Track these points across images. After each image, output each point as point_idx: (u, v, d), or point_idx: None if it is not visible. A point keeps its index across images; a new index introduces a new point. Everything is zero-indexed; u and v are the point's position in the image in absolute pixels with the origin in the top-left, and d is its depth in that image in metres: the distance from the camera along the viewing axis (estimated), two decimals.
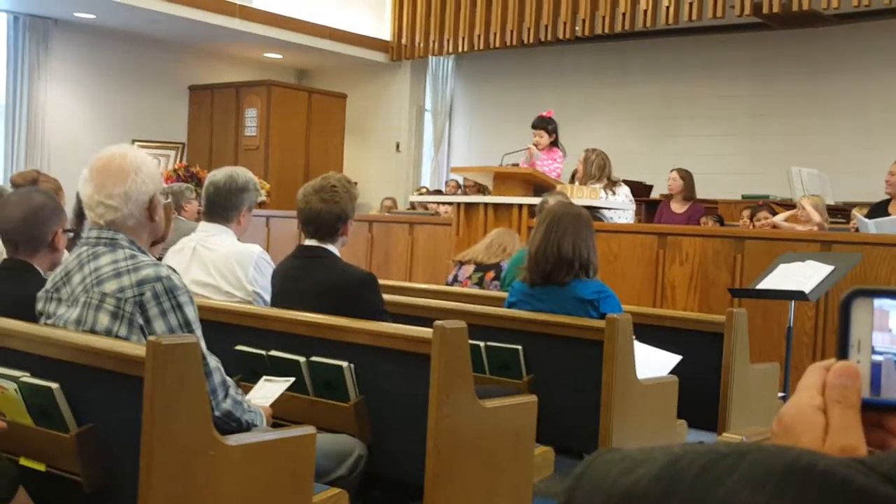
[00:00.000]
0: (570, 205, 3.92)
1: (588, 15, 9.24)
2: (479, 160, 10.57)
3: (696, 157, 9.88)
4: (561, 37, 9.55)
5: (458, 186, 8.07)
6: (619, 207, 6.43)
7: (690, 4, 8.50)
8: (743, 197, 9.10)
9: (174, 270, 2.34)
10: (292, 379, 2.77)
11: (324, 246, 3.20)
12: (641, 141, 10.65)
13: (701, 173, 7.90)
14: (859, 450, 0.63)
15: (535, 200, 5.49)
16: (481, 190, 7.93)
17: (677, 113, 10.64)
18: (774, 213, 7.00)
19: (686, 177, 7.47)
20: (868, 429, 0.65)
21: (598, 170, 6.54)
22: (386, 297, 3.29)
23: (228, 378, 2.39)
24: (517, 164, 7.34)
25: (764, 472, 0.43)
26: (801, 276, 4.12)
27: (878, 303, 0.68)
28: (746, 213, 7.37)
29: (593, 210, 6.13)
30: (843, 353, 0.68)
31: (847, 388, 0.65)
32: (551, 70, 11.42)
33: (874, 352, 0.68)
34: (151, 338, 2.04)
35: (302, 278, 3.18)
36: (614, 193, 6.48)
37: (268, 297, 3.36)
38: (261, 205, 8.68)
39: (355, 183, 3.54)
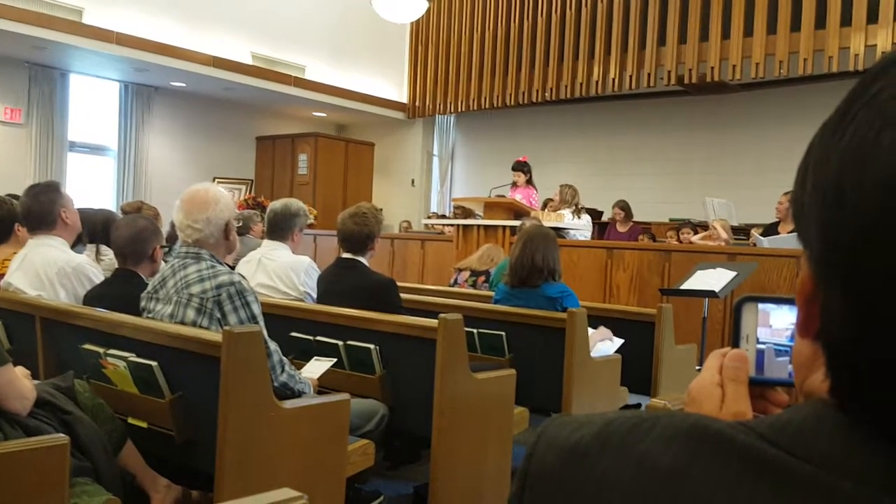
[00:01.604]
0: (540, 226, 3.93)
1: (555, 84, 9.24)
2: (474, 192, 10.58)
3: (636, 189, 9.88)
4: (535, 100, 9.54)
5: (464, 211, 8.10)
6: (581, 228, 6.43)
7: (630, 77, 8.48)
8: (670, 220, 9.07)
9: (243, 277, 2.33)
10: (335, 359, 2.77)
11: (356, 258, 3.19)
12: (596, 178, 10.62)
13: (639, 201, 7.90)
14: (747, 415, 0.63)
15: (516, 223, 5.49)
16: (468, 214, 7.95)
17: (622, 157, 10.62)
18: (696, 230, 6.98)
19: (625, 207, 7.53)
20: (754, 400, 0.66)
21: (570, 197, 6.54)
22: (403, 296, 3.28)
23: (284, 357, 2.39)
24: (502, 195, 7.35)
25: (672, 432, 0.44)
26: (713, 279, 4.12)
27: (762, 306, 0.69)
28: (672, 232, 7.36)
29: (559, 230, 6.14)
30: (735, 343, 0.69)
31: (738, 369, 0.66)
32: (529, 125, 11.39)
33: (759, 342, 0.69)
34: (226, 328, 2.04)
35: (340, 282, 3.17)
36: (580, 217, 6.48)
37: (315, 297, 3.35)
38: (310, 226, 8.68)
39: (380, 210, 3.54)
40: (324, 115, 11.30)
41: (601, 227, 8.37)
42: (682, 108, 10.08)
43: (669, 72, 8.21)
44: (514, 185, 6.90)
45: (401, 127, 11.39)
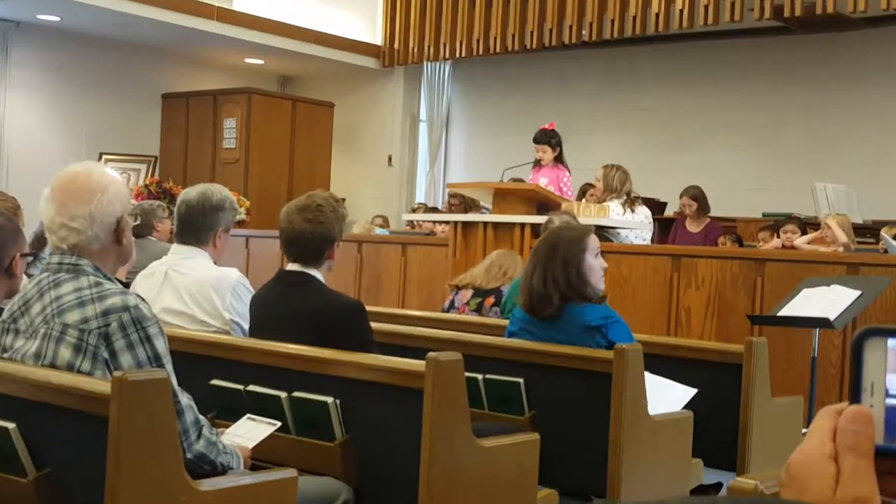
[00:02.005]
0: (576, 226, 3.93)
1: (596, 18, 9.28)
2: (477, 175, 10.60)
3: (711, 171, 9.92)
4: (566, 42, 9.59)
5: (462, 201, 8.14)
6: (635, 226, 6.46)
7: (706, 7, 8.52)
8: (763, 215, 9.13)
9: (142, 299, 2.33)
10: (279, 423, 2.76)
11: (307, 271, 3.20)
12: (651, 154, 10.68)
13: (717, 189, 7.95)
14: (873, 500, 0.63)
15: (540, 220, 5.50)
16: (469, 207, 7.96)
17: (690, 124, 10.68)
18: (803, 229, 7.03)
19: (699, 197, 7.57)
20: (882, 477, 0.65)
21: (619, 183, 6.57)
22: (375, 325, 3.29)
23: (202, 416, 2.38)
24: (520, 180, 7.36)
25: None
26: (825, 301, 4.13)
27: (893, 343, 0.68)
28: (766, 233, 7.40)
29: (603, 230, 6.15)
30: (855, 397, 0.68)
31: (859, 433, 0.65)
32: (555, 78, 11.46)
33: (888, 395, 0.67)
34: (117, 373, 2.03)
35: (283, 306, 3.18)
36: (633, 211, 6.51)
37: (246, 327, 3.35)
38: (239, 224, 8.72)
39: (343, 200, 3.55)
40: (261, 62, 11.34)
41: (664, 226, 8.41)
42: (779, 51, 10.15)
43: None
44: (538, 164, 6.94)
45: (373, 80, 11.44)
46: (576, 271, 3.47)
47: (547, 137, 6.87)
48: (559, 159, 6.89)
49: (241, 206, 8.85)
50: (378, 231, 8.96)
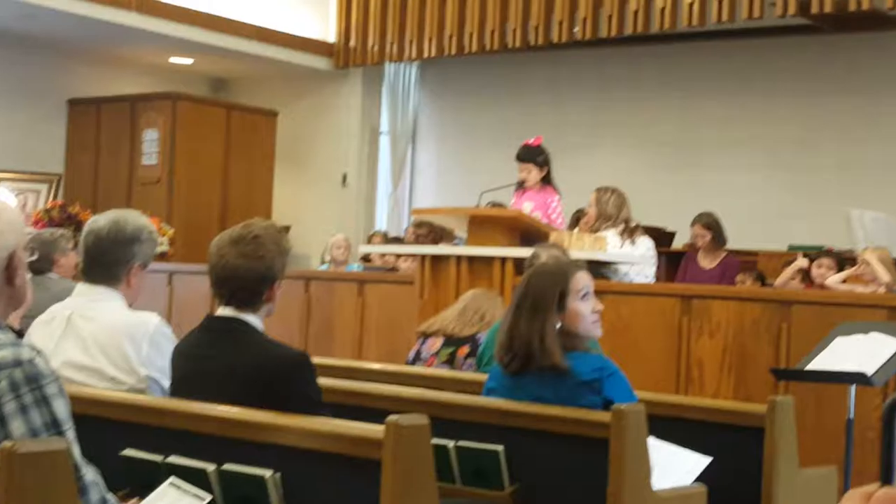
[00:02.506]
0: (566, 261, 3.94)
1: (590, 14, 9.34)
2: (450, 198, 10.66)
3: (727, 195, 10.01)
4: (555, 40, 9.66)
5: (431, 230, 8.13)
6: (636, 261, 6.49)
7: (720, 2, 8.60)
8: (789, 248, 9.20)
9: (40, 352, 2.30)
10: (209, 496, 2.73)
11: (241, 316, 3.19)
12: (658, 174, 10.77)
13: (735, 217, 8.00)
14: None
15: (525, 253, 5.50)
16: (440, 237, 7.96)
17: (703, 138, 10.78)
18: (839, 265, 7.05)
19: (712, 225, 7.63)
20: None
21: (615, 209, 6.60)
22: (325, 382, 3.27)
23: (110, 496, 2.35)
24: (500, 204, 7.37)
25: None
26: (863, 352, 4.15)
27: None
28: (793, 269, 7.40)
29: (599, 266, 6.16)
30: (886, 477, 0.68)
31: None
32: (544, 84, 11.55)
33: None
34: (6, 443, 2.00)
35: (212, 359, 3.16)
36: (633, 243, 6.54)
37: (167, 384, 3.33)
38: (161, 257, 8.66)
39: (288, 228, 3.55)
40: (189, 61, 11.34)
41: (671, 260, 8.47)
42: (807, 54, 10.28)
43: None
44: (522, 186, 6.96)
45: (325, 84, 11.49)
46: (542, 325, 3.46)
47: (532, 155, 6.90)
48: (547, 181, 6.92)
49: (162, 236, 8.79)
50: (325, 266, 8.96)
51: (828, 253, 7.42)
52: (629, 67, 11.19)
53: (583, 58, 11.16)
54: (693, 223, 7.79)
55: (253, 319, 3.20)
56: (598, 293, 3.74)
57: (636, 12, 9.06)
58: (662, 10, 8.91)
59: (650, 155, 10.98)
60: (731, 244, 7.93)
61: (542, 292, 3.50)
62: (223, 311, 3.22)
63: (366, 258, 9.23)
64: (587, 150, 10.80)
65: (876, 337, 4.21)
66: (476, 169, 11.12)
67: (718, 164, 10.66)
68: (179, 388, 3.23)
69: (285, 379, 3.06)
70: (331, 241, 9.27)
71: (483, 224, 6.41)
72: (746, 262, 8.33)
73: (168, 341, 3.40)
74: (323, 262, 9.47)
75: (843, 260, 7.39)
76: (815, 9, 8.33)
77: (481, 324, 4.90)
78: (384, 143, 12.17)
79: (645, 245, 6.65)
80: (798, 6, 8.39)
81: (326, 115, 11.59)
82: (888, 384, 4.58)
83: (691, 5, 8.72)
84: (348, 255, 9.25)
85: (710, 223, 7.66)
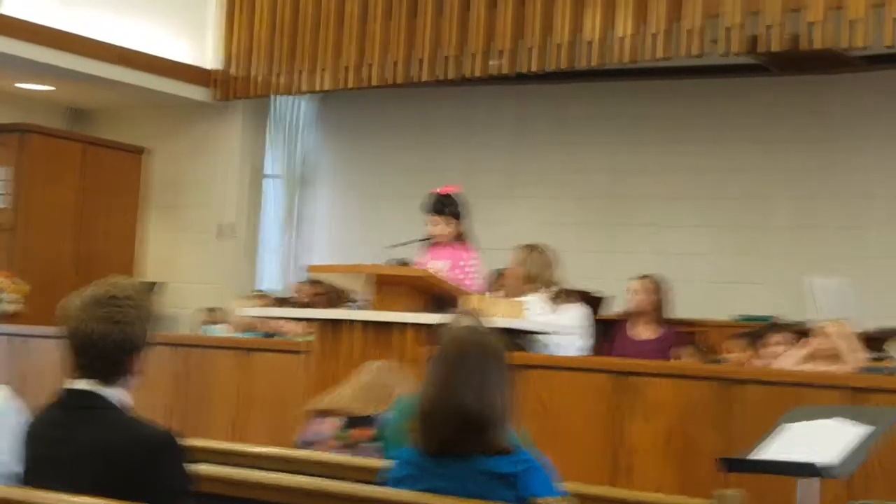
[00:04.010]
0: (481, 331, 3.93)
1: (509, 46, 9.41)
2: (349, 254, 10.60)
3: (666, 256, 10.10)
4: (469, 74, 9.73)
5: (327, 290, 8.06)
6: (563, 330, 6.49)
7: (653, 36, 8.65)
8: (739, 319, 9.31)
9: None
10: None
11: (101, 391, 3.14)
12: (586, 230, 10.84)
13: (675, 281, 8.02)
14: None
15: (433, 320, 5.55)
16: (336, 300, 7.91)
17: (638, 190, 10.89)
18: (800, 337, 7.03)
19: (657, 289, 7.60)
20: None
21: (539, 269, 6.61)
22: (199, 468, 3.25)
23: None
24: (404, 263, 7.34)
25: None
26: (823, 439, 4.18)
27: None
28: (739, 342, 7.45)
29: (519, 335, 6.17)
30: None
31: None
32: (456, 122, 11.60)
33: None
34: None
35: (67, 441, 3.11)
36: (557, 308, 6.55)
37: (16, 469, 3.25)
38: (9, 318, 8.48)
39: (158, 285, 3.50)
40: (42, 88, 11.17)
41: (602, 330, 8.45)
42: (756, 97, 10.46)
43: (729, 29, 8.43)
44: (432, 240, 6.94)
45: (202, 118, 11.46)
46: (507, 390, 3.48)
47: (441, 206, 6.86)
48: (462, 237, 6.91)
49: (10, 293, 8.60)
50: (210, 330, 8.84)
51: (773, 326, 7.35)
52: (553, 107, 11.25)
53: (501, 95, 11.25)
54: (636, 278, 7.73)
55: (114, 394, 3.15)
56: (517, 367, 3.73)
57: (559, 46, 9.11)
58: (590, 43, 8.95)
59: (577, 208, 11.04)
60: (672, 312, 7.95)
61: (497, 359, 3.51)
62: (80, 384, 3.16)
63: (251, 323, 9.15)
64: (504, 201, 10.85)
65: (838, 423, 4.25)
66: (378, 220, 11.13)
67: (656, 221, 10.73)
68: (30, 473, 3.17)
69: (147, 463, 3.02)
70: (232, 305, 9.18)
71: (387, 285, 6.38)
72: (687, 332, 8.36)
73: (16, 419, 3.33)
74: (209, 324, 9.38)
75: (793, 331, 7.43)
76: (762, 47, 8.36)
77: (386, 401, 4.85)
78: (270, 188, 12.09)
79: (572, 312, 6.66)
80: (744, 44, 8.39)
81: (204, 153, 11.52)
82: (851, 477, 4.62)
83: (622, 39, 8.77)
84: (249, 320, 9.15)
85: (653, 284, 7.60)
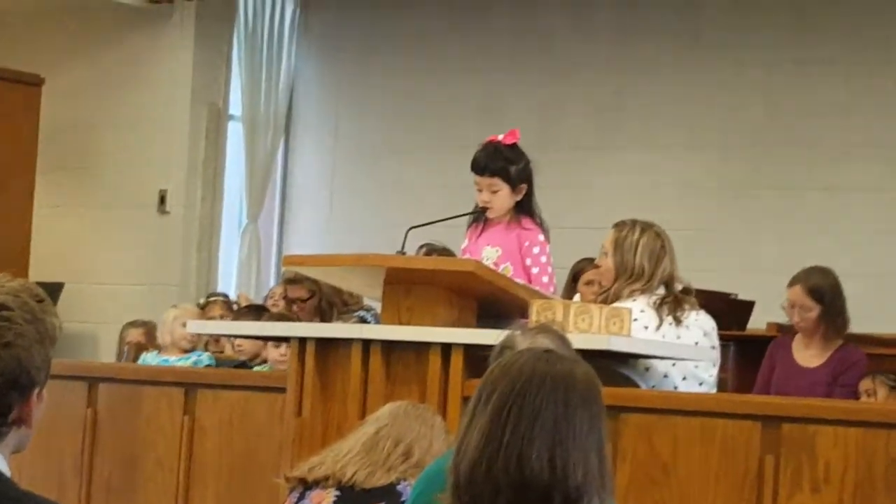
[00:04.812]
0: (552, 357, 3.87)
1: None
2: (352, 237, 10.62)
3: (844, 235, 10.16)
4: None
5: (316, 292, 8.02)
6: (685, 356, 6.46)
7: None
8: None
9: None
10: None
11: None
12: (725, 192, 10.82)
13: (859, 278, 7.94)
14: None
15: (487, 337, 5.48)
16: (327, 308, 7.90)
17: (809, 128, 10.89)
18: None
19: (825, 293, 7.57)
20: None
21: (647, 261, 6.57)
22: None
23: None
24: (447, 251, 7.31)
25: None
26: None
27: None
28: None
29: (616, 362, 6.14)
30: None
31: None
32: (512, 30, 11.59)
33: None
34: None
35: None
36: (679, 323, 6.51)
37: None
38: None
39: (61, 288, 3.48)
40: None
41: (746, 353, 8.44)
42: None
43: None
44: (481, 217, 6.95)
45: (133, 29, 11.61)
46: (599, 447, 3.43)
47: (504, 162, 6.86)
48: (525, 208, 6.90)
49: None
50: (149, 359, 8.86)
51: None
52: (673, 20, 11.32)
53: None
54: (791, 285, 7.75)
55: None
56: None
57: None
58: None
59: (708, 160, 11.03)
60: (854, 326, 7.90)
61: (575, 403, 3.45)
62: None
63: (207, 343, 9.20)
64: (598, 153, 10.84)
65: None
66: (398, 185, 11.11)
67: (832, 181, 10.72)
68: None
69: None
70: (176, 314, 9.16)
71: (412, 284, 6.35)
72: (876, 355, 8.30)
73: None
74: (140, 352, 9.39)
75: None
76: None
77: (406, 465, 4.85)
78: (235, 133, 12.12)
79: (701, 327, 6.61)
80: None
81: (134, 85, 11.63)
82: None
83: None
84: (197, 340, 9.15)
85: (819, 288, 7.60)
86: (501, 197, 6.84)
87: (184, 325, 8.80)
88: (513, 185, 6.84)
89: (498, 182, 6.84)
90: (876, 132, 10.70)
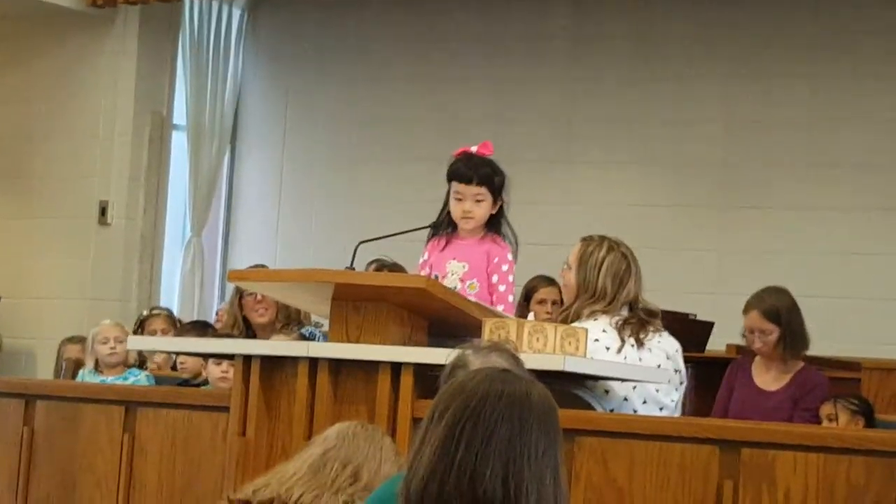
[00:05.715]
0: (508, 377, 3.87)
1: None
2: (297, 251, 10.61)
3: (806, 254, 10.18)
4: None
5: (269, 310, 8.04)
6: (645, 379, 6.48)
7: None
8: None
9: None
10: None
11: None
12: (689, 215, 10.85)
13: (819, 300, 7.96)
14: None
15: (436, 355, 5.49)
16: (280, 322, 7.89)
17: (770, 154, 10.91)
18: None
19: (782, 315, 7.60)
20: None
21: (611, 279, 6.57)
22: None
23: None
24: (397, 267, 7.30)
25: None
26: None
27: None
28: None
29: (573, 384, 6.15)
30: None
31: None
32: (464, 39, 11.60)
33: None
34: None
35: None
36: (640, 346, 6.52)
37: None
38: None
39: None
40: None
41: (704, 376, 8.46)
42: None
43: None
44: (442, 229, 6.95)
45: (74, 33, 11.60)
46: (554, 468, 3.42)
47: (488, 169, 6.86)
48: (495, 224, 6.93)
49: None
50: (87, 377, 8.83)
51: None
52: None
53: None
54: (746, 311, 7.78)
55: None
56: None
57: None
58: None
59: (674, 181, 11.07)
60: (814, 348, 7.93)
61: (529, 424, 3.44)
62: None
63: (140, 361, 9.16)
64: (563, 167, 10.87)
65: None
66: (352, 196, 11.11)
67: (792, 200, 10.77)
68: None
69: None
70: (95, 332, 9.12)
71: (362, 301, 6.35)
72: (836, 378, 8.34)
73: None
74: (79, 368, 9.35)
75: None
76: None
77: (354, 487, 4.84)
78: (179, 143, 12.09)
79: (664, 350, 6.63)
80: None
81: (75, 92, 11.60)
82: None
83: None
84: (126, 355, 9.10)
85: (775, 309, 7.64)
86: (484, 207, 6.83)
87: (104, 342, 8.80)
88: (496, 196, 6.85)
89: (484, 192, 6.82)
90: (838, 149, 10.75)
